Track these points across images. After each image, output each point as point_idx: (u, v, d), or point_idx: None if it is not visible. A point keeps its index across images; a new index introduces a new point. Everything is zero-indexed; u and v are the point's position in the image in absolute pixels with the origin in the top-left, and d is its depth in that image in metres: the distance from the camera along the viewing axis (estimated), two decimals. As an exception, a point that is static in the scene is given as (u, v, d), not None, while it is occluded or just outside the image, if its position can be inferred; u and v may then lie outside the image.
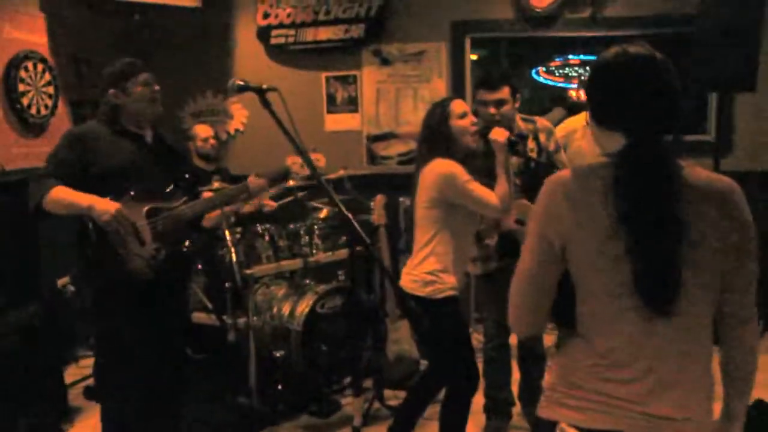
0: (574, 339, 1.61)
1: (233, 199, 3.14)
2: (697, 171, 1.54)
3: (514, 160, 3.14)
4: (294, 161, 3.07)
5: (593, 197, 1.51)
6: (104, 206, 2.66)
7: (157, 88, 2.92)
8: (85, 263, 2.87)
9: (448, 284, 2.85)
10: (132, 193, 2.81)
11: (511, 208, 2.93)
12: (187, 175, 3.09)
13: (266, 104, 2.25)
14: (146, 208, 2.85)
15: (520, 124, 3.29)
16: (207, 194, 3.14)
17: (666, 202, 1.47)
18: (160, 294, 2.90)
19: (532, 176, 3.22)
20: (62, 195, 2.70)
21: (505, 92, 3.15)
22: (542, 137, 3.30)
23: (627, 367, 1.52)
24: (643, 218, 1.47)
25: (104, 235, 2.71)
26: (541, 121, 3.39)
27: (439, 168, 2.83)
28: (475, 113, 3.13)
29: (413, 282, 2.86)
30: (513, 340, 3.47)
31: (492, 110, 3.15)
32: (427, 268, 2.84)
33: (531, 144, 3.12)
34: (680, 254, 1.47)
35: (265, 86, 2.29)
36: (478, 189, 2.80)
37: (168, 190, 2.95)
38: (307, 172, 3.04)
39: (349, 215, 2.05)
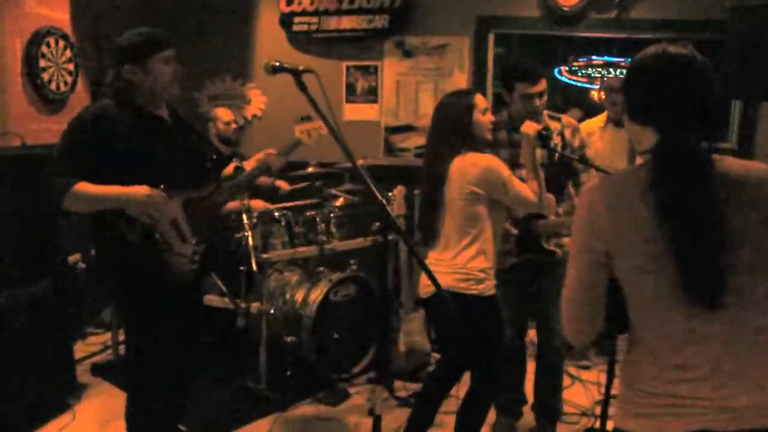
0: (633, 347, 1.61)
1: (256, 178, 2.95)
2: (730, 160, 1.54)
3: (539, 152, 3.12)
4: (302, 130, 2.92)
5: (631, 200, 1.52)
6: (138, 193, 2.44)
7: (178, 67, 2.64)
8: (124, 275, 2.57)
9: (492, 281, 2.84)
10: (162, 187, 2.53)
11: (548, 202, 2.89)
12: (213, 158, 2.90)
13: (302, 86, 2.19)
14: (181, 201, 2.62)
15: (547, 120, 3.26)
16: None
17: (703, 194, 1.47)
18: (193, 288, 2.77)
19: (556, 170, 3.20)
20: (88, 190, 2.43)
21: (544, 83, 3.15)
22: (567, 133, 3.28)
23: (691, 366, 1.51)
24: (682, 213, 1.47)
25: (144, 235, 2.49)
26: (567, 118, 3.38)
27: (483, 161, 2.78)
28: (504, 107, 3.12)
29: (463, 280, 2.77)
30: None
31: (537, 102, 3.14)
32: (478, 265, 2.78)
33: (556, 140, 3.10)
34: (722, 246, 1.46)
35: (301, 68, 2.23)
36: (518, 185, 2.79)
37: (198, 177, 2.73)
38: (313, 141, 2.89)
39: (383, 201, 2.03)
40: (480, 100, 2.89)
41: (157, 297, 2.58)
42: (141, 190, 2.46)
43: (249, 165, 2.92)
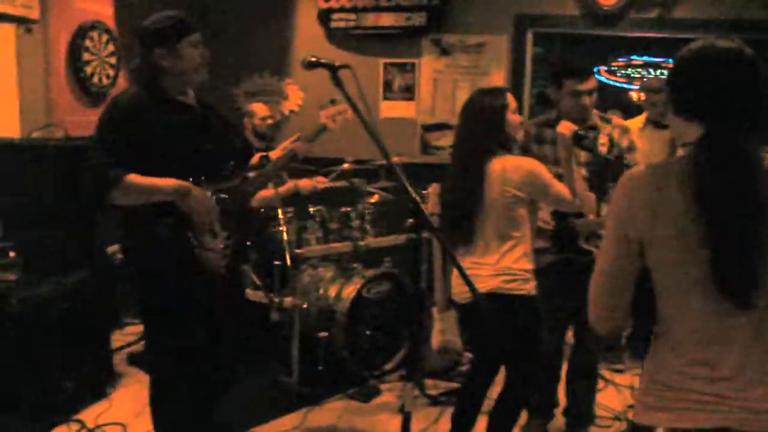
0: (659, 340, 1.60)
1: (283, 166, 2.86)
2: None
3: (583, 153, 3.09)
4: (327, 115, 2.86)
5: (669, 190, 1.50)
6: (198, 191, 2.42)
7: (206, 51, 2.58)
8: (153, 272, 2.54)
9: (535, 282, 2.84)
10: (192, 178, 2.49)
11: (586, 201, 2.89)
12: (241, 147, 2.84)
13: (338, 82, 2.19)
14: (212, 193, 2.56)
15: (596, 120, 3.24)
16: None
17: (744, 189, 1.45)
18: (229, 286, 2.72)
19: (600, 170, 3.16)
20: (141, 180, 2.39)
21: (594, 81, 3.14)
22: (616, 133, 3.24)
23: (716, 363, 1.49)
24: (721, 205, 1.45)
25: (176, 231, 2.45)
26: (617, 119, 3.36)
27: (527, 165, 2.77)
28: (547, 106, 3.09)
29: (511, 281, 2.75)
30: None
31: (587, 100, 3.12)
32: (524, 266, 2.79)
33: (603, 139, 3.06)
34: (759, 244, 1.44)
35: (338, 63, 2.24)
36: (558, 185, 2.78)
37: (227, 168, 2.67)
38: (339, 125, 2.83)
39: (418, 198, 2.03)
40: (511, 99, 2.87)
41: (186, 296, 2.53)
42: (188, 184, 2.44)
43: (275, 155, 2.87)
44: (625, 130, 3.30)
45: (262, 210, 4.12)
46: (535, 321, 2.84)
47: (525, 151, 3.28)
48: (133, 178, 2.39)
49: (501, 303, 2.72)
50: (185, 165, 2.50)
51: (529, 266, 2.81)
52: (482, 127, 2.82)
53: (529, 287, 2.79)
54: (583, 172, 3.16)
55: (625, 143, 3.25)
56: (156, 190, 2.43)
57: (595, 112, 3.26)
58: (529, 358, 2.90)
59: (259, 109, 4.71)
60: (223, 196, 2.60)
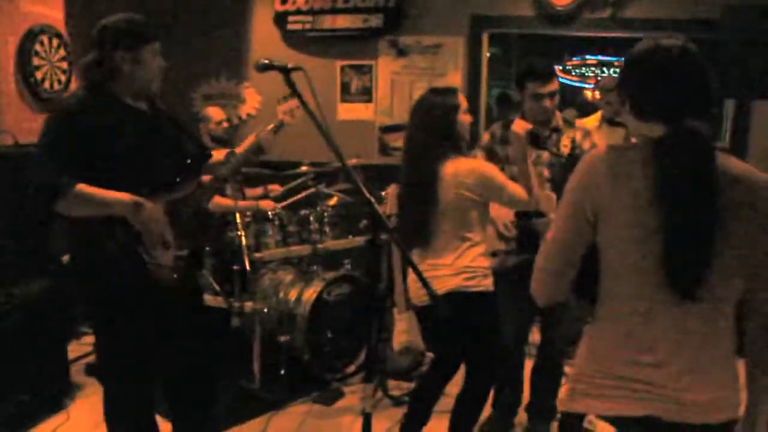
0: (597, 324, 1.62)
1: (247, 159, 2.71)
2: (733, 160, 1.55)
3: (545, 153, 3.13)
4: (284, 111, 2.75)
5: (632, 169, 1.53)
6: (151, 207, 2.33)
7: (163, 63, 2.52)
8: (100, 286, 2.45)
9: (492, 279, 2.87)
10: (145, 190, 2.38)
11: (547, 207, 2.91)
12: (194, 152, 2.70)
13: (291, 84, 2.19)
14: (164, 204, 2.45)
15: (559, 122, 3.28)
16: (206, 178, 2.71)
17: (704, 181, 1.48)
18: (181, 296, 2.61)
19: (561, 170, 3.19)
20: (91, 191, 2.27)
21: (556, 83, 3.17)
22: (578, 136, 3.28)
23: (651, 350, 1.52)
24: (680, 194, 1.48)
25: (128, 245, 2.34)
26: (579, 122, 3.41)
27: (479, 168, 2.79)
28: (507, 106, 3.12)
29: (471, 278, 2.78)
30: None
31: (548, 102, 3.15)
32: (482, 264, 2.82)
33: (566, 141, 3.11)
34: (711, 239, 1.47)
35: (291, 65, 2.23)
36: (511, 186, 2.79)
37: (180, 176, 2.55)
38: (297, 120, 2.70)
39: (373, 200, 2.03)
40: (463, 100, 2.89)
41: (136, 311, 2.44)
42: (141, 199, 2.33)
43: (240, 150, 2.76)
44: (587, 133, 3.33)
45: (218, 216, 4.07)
46: (494, 317, 2.87)
47: (489, 152, 3.31)
48: (83, 188, 2.27)
49: (461, 301, 2.74)
50: (132, 173, 2.38)
51: (486, 263, 2.85)
52: (434, 127, 2.82)
53: (488, 283, 2.83)
54: (546, 172, 3.19)
55: (586, 145, 3.29)
56: (107, 204, 2.30)
57: (558, 114, 3.29)
58: (488, 354, 2.92)
59: (214, 113, 4.66)
60: (175, 206, 2.50)
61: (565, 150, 3.19)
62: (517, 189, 2.81)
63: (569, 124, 3.35)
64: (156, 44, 2.47)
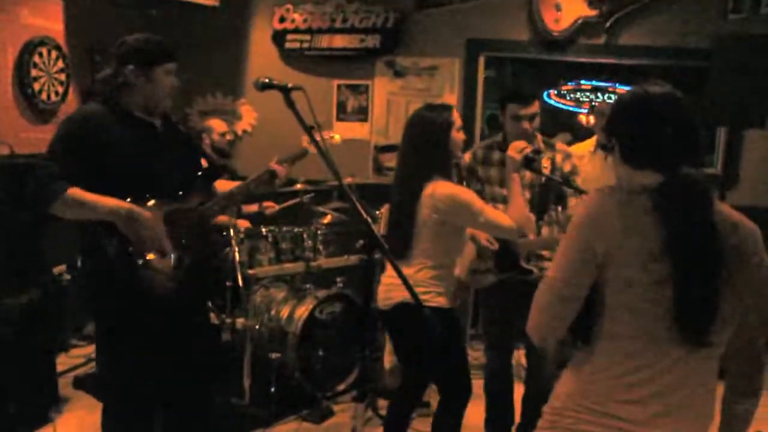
0: (590, 360, 1.60)
1: (257, 187, 2.78)
2: (726, 207, 1.57)
3: (528, 174, 3.15)
4: (310, 141, 2.87)
5: (641, 215, 1.52)
6: (143, 214, 2.37)
7: (177, 82, 2.62)
8: (100, 287, 2.52)
9: (448, 298, 2.85)
10: (147, 197, 2.45)
11: (524, 227, 2.83)
12: (202, 167, 2.81)
13: (290, 103, 2.21)
14: (164, 213, 2.50)
15: (540, 144, 3.30)
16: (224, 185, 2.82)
17: (708, 230, 1.49)
18: (181, 309, 2.61)
19: (542, 192, 3.22)
20: (83, 196, 2.35)
21: (536, 106, 3.19)
22: (558, 158, 3.31)
23: (639, 387, 1.52)
24: (687, 244, 1.48)
25: (123, 247, 2.40)
26: (560, 145, 3.43)
27: (458, 197, 2.73)
28: (497, 128, 3.14)
29: (423, 293, 2.72)
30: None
31: (527, 125, 3.17)
32: (437, 281, 2.80)
33: (545, 162, 3.13)
34: (719, 282, 1.48)
35: (290, 85, 2.25)
36: (491, 214, 2.75)
37: (185, 188, 2.62)
38: (314, 150, 2.83)
39: (369, 219, 2.04)
40: (457, 117, 2.86)
41: (132, 315, 2.48)
42: (127, 206, 2.37)
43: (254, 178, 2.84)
44: (567, 156, 3.36)
45: (223, 232, 4.06)
46: (449, 333, 2.77)
47: (471, 173, 3.32)
48: (75, 192, 2.34)
49: (412, 313, 2.69)
50: (136, 183, 2.45)
51: (442, 282, 2.81)
52: (426, 143, 2.79)
53: (441, 300, 2.78)
54: (527, 194, 3.21)
55: (567, 168, 3.32)
56: (96, 209, 2.36)
57: (539, 136, 3.32)
58: (449, 370, 2.90)
59: (216, 125, 4.68)
60: (176, 216, 2.54)
61: (545, 171, 3.21)
62: (497, 217, 2.76)
63: (550, 146, 3.37)
64: (170, 65, 2.57)
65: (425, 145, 2.79)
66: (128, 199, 2.39)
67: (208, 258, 2.84)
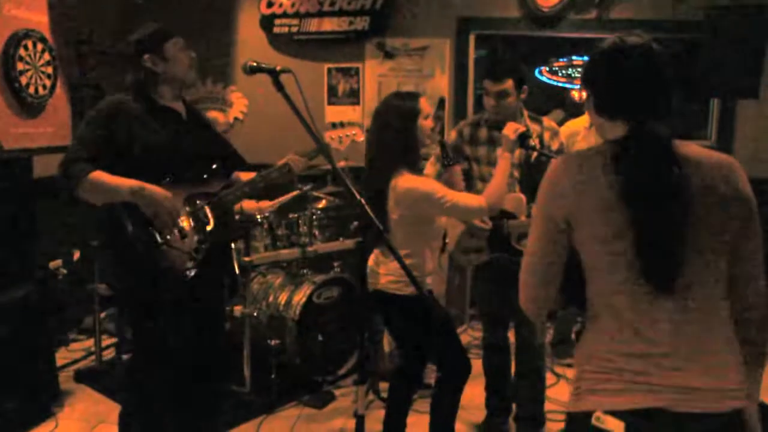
0: (590, 323, 1.63)
1: (275, 179, 2.79)
2: (694, 146, 1.58)
3: (516, 152, 3.12)
4: (332, 136, 2.86)
5: (595, 171, 1.55)
6: (154, 191, 2.47)
7: (193, 54, 2.72)
8: (117, 259, 2.62)
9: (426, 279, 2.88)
10: (168, 179, 2.56)
11: (499, 206, 2.84)
12: (225, 156, 2.87)
13: (279, 86, 2.19)
14: (185, 196, 2.62)
15: (527, 122, 3.27)
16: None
17: (666, 174, 1.50)
18: (201, 290, 2.69)
19: (531, 170, 3.20)
20: (103, 179, 2.46)
21: (508, 84, 3.10)
22: (546, 135, 3.27)
23: (644, 341, 1.52)
24: (643, 191, 1.50)
25: (142, 227, 2.50)
26: (548, 122, 3.35)
27: (418, 189, 2.71)
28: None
29: (394, 282, 2.84)
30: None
31: (492, 102, 3.13)
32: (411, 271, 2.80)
33: (534, 142, 3.10)
34: (680, 228, 1.49)
35: (279, 68, 2.23)
36: (457, 199, 2.73)
37: (207, 174, 2.72)
38: (344, 146, 2.87)
39: (363, 201, 2.03)
40: (425, 104, 2.84)
41: (153, 291, 2.57)
42: (144, 185, 2.47)
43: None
44: (555, 133, 3.31)
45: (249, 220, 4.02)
46: (427, 317, 2.79)
47: (457, 151, 3.29)
48: (97, 176, 2.45)
49: (384, 300, 2.86)
50: (162, 168, 2.56)
51: (416, 272, 2.73)
52: (392, 130, 2.78)
53: (411, 290, 2.71)
54: (515, 173, 3.19)
55: (555, 146, 3.27)
56: (114, 190, 2.46)
57: (525, 112, 3.28)
58: (440, 349, 2.94)
59: (218, 116, 4.65)
60: (198, 199, 2.65)
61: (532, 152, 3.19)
62: (463, 199, 2.76)
63: (538, 121, 3.32)
64: (175, 39, 2.66)
65: (391, 134, 2.78)
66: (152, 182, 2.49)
67: (228, 243, 2.86)
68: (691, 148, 1.56)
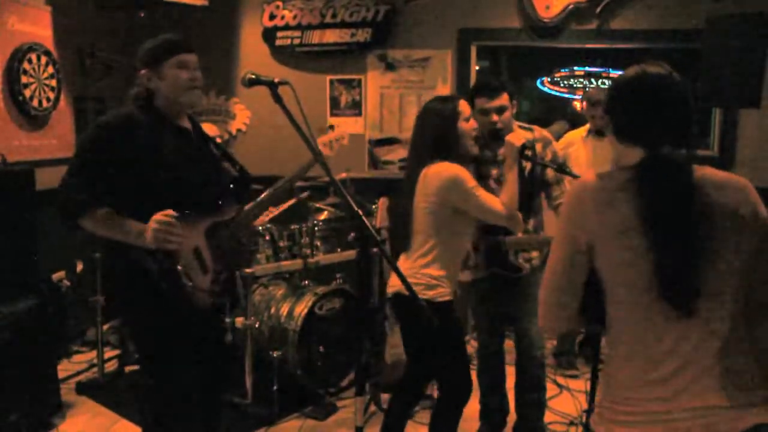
0: (611, 348, 1.65)
1: (280, 199, 2.81)
2: (709, 169, 1.60)
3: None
4: (323, 143, 2.83)
5: (617, 195, 1.57)
6: (160, 226, 2.25)
7: (197, 74, 2.49)
8: (144, 305, 2.40)
9: (448, 289, 2.81)
10: (187, 211, 2.36)
11: (514, 215, 2.81)
12: (236, 177, 2.73)
13: (278, 98, 2.20)
14: (205, 227, 2.47)
15: (518, 132, 3.25)
16: None
17: (685, 199, 1.53)
18: (212, 315, 2.61)
19: (526, 183, 3.17)
20: (107, 221, 2.30)
21: (504, 98, 3.10)
22: (539, 146, 3.24)
23: (662, 367, 1.53)
24: (663, 215, 1.52)
25: (166, 268, 2.33)
26: (539, 131, 3.32)
27: (446, 172, 2.72)
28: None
29: (415, 285, 2.72)
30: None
31: (495, 118, 3.10)
32: (431, 272, 2.76)
33: (529, 152, 3.09)
34: (699, 251, 1.51)
35: (277, 80, 2.24)
36: (483, 196, 2.73)
37: (222, 198, 2.56)
38: (335, 152, 2.85)
39: (360, 213, 2.03)
40: (465, 107, 2.84)
41: (177, 330, 2.41)
42: (155, 222, 2.27)
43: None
44: (547, 143, 3.28)
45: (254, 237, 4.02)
46: (442, 327, 2.68)
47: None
48: (101, 214, 2.29)
49: (404, 304, 2.76)
50: (171, 191, 2.38)
51: (439, 273, 2.76)
52: (429, 136, 2.80)
53: (432, 294, 2.74)
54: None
55: (548, 156, 3.24)
56: (119, 233, 2.31)
57: (516, 124, 3.25)
58: (448, 364, 2.88)
59: (207, 129, 4.65)
60: (217, 229, 2.51)
61: (526, 164, 3.17)
62: (490, 200, 2.74)
63: (526, 129, 3.29)
64: (180, 56, 2.46)
65: (431, 137, 2.80)
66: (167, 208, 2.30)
67: (239, 267, 2.80)
68: (708, 171, 1.59)
